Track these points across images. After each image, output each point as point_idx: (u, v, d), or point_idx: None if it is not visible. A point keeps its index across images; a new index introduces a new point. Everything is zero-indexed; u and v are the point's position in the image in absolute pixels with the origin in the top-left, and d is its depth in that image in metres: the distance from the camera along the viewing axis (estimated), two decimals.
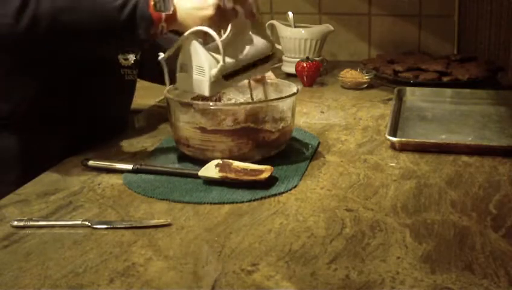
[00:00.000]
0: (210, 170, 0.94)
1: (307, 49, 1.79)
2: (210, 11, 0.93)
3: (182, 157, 1.05)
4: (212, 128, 0.98)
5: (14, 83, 1.09)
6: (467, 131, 1.23)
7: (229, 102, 1.14)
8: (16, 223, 0.80)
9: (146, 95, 1.49)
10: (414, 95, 1.50)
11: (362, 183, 0.94)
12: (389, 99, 1.46)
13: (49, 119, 1.11)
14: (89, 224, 0.80)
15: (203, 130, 0.98)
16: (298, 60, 1.69)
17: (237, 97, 1.16)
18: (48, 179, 0.98)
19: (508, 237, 0.75)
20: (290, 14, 1.86)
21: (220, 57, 0.94)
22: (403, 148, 1.09)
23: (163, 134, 1.21)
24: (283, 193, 0.90)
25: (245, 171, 0.93)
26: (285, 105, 1.03)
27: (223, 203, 0.87)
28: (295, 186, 0.92)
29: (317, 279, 0.66)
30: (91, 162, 1.01)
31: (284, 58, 1.86)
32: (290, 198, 0.89)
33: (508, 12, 1.58)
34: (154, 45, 1.13)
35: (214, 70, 0.94)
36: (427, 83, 1.58)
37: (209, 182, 0.93)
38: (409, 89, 1.51)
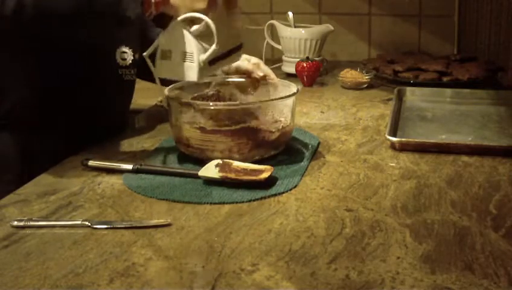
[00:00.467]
0: (210, 170, 0.94)
1: (307, 49, 1.79)
2: (202, 4, 0.92)
3: (182, 157, 1.05)
4: (212, 128, 0.98)
5: (10, 82, 1.09)
6: (466, 131, 1.23)
7: (229, 102, 1.14)
8: (16, 223, 0.80)
9: (146, 95, 1.49)
10: (414, 95, 1.50)
11: (362, 183, 0.94)
12: (389, 99, 1.46)
13: (49, 119, 1.11)
14: (89, 224, 0.80)
15: (203, 130, 0.98)
16: (298, 60, 1.69)
17: (237, 97, 1.16)
18: (48, 179, 0.98)
19: (508, 237, 0.75)
20: (290, 14, 1.86)
21: (204, 44, 0.94)
22: (403, 148, 1.09)
23: (163, 134, 1.21)
24: (283, 193, 0.90)
25: (245, 171, 0.93)
26: (285, 105, 1.03)
27: (223, 203, 0.87)
28: (295, 186, 0.92)
29: (317, 279, 0.66)
30: (91, 162, 1.01)
31: (284, 58, 1.86)
32: (290, 198, 0.89)
33: (508, 12, 1.58)
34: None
35: (203, 56, 0.94)
36: (427, 83, 1.58)
37: (209, 182, 0.93)
38: (409, 89, 1.51)
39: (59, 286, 0.66)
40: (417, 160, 1.04)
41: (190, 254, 0.72)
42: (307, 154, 1.07)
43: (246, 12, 2.08)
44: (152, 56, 0.98)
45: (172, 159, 1.06)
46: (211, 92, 1.13)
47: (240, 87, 1.16)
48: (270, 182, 0.92)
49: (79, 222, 0.80)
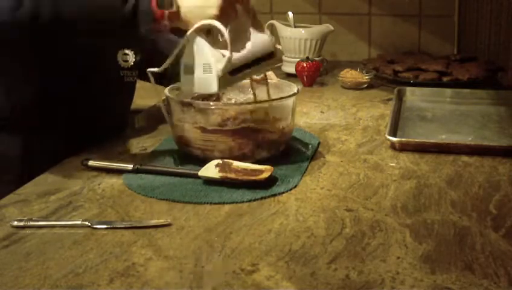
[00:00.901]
0: (210, 170, 0.94)
1: (307, 49, 1.79)
2: (213, 10, 0.93)
3: (182, 157, 1.05)
4: (212, 128, 0.98)
5: (10, 82, 1.09)
6: (466, 131, 1.23)
7: (229, 102, 1.14)
8: (16, 223, 0.80)
9: (146, 95, 1.48)
10: (414, 95, 1.50)
11: (362, 183, 0.94)
12: (389, 99, 1.46)
13: (49, 119, 1.11)
14: (89, 224, 0.80)
15: (203, 130, 0.98)
16: (298, 60, 1.69)
17: (237, 97, 1.16)
18: (47, 179, 0.98)
19: (508, 237, 0.75)
20: (290, 14, 1.86)
21: (225, 52, 0.93)
22: (403, 148, 1.09)
23: (163, 134, 1.21)
24: (283, 193, 0.90)
25: (245, 171, 0.93)
26: (285, 105, 1.03)
27: (223, 203, 0.87)
28: (295, 186, 0.92)
29: (317, 279, 0.66)
30: (91, 162, 1.01)
31: (284, 58, 1.86)
32: (290, 198, 0.89)
33: (508, 12, 1.58)
34: (155, 46, 1.13)
35: (221, 65, 0.93)
36: (427, 83, 1.58)
37: (209, 182, 0.93)
38: (409, 89, 1.51)
39: (59, 286, 0.66)
40: (417, 160, 1.04)
41: (190, 254, 0.72)
42: (307, 154, 1.07)
43: None
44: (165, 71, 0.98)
45: (172, 159, 1.06)
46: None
47: (240, 87, 1.15)
48: (270, 182, 0.92)
49: (79, 222, 0.80)
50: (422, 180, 0.94)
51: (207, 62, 0.94)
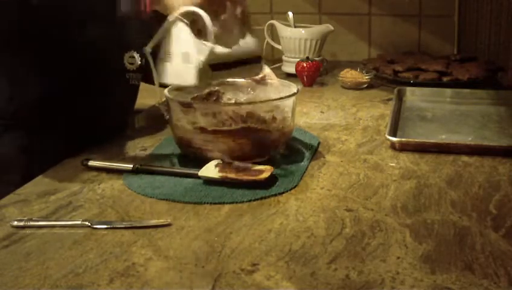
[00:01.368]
0: (210, 170, 0.94)
1: (307, 49, 1.79)
2: None
3: (182, 157, 1.05)
4: (212, 128, 0.98)
5: (11, 82, 1.08)
6: (466, 131, 1.23)
7: (229, 102, 1.14)
8: (15, 223, 0.80)
9: (146, 95, 1.48)
10: (414, 95, 1.50)
11: (362, 183, 0.94)
12: (389, 99, 1.46)
13: (50, 119, 1.11)
14: (89, 224, 0.80)
15: (203, 130, 0.98)
16: (298, 60, 1.69)
17: (237, 97, 1.16)
18: (47, 179, 0.98)
19: (508, 237, 0.75)
20: (290, 14, 1.86)
21: (209, 44, 0.90)
22: (403, 148, 1.09)
23: (163, 134, 1.21)
24: (283, 193, 0.90)
25: (245, 171, 0.93)
26: (285, 105, 1.03)
27: (223, 203, 0.87)
28: (295, 186, 0.92)
29: (317, 279, 0.66)
30: (91, 162, 1.01)
31: (284, 58, 1.86)
32: (290, 198, 0.89)
33: (508, 12, 1.58)
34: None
35: (202, 56, 0.89)
36: (427, 83, 1.58)
37: (209, 182, 0.93)
38: (409, 89, 1.51)
39: (59, 286, 0.66)
40: (417, 160, 1.04)
41: (190, 254, 0.72)
42: (307, 154, 1.07)
43: None
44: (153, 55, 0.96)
45: (172, 159, 1.06)
46: (211, 92, 1.13)
47: (240, 87, 1.15)
48: (270, 182, 0.92)
49: (79, 222, 0.80)
50: (422, 180, 0.94)
51: (187, 51, 0.90)
